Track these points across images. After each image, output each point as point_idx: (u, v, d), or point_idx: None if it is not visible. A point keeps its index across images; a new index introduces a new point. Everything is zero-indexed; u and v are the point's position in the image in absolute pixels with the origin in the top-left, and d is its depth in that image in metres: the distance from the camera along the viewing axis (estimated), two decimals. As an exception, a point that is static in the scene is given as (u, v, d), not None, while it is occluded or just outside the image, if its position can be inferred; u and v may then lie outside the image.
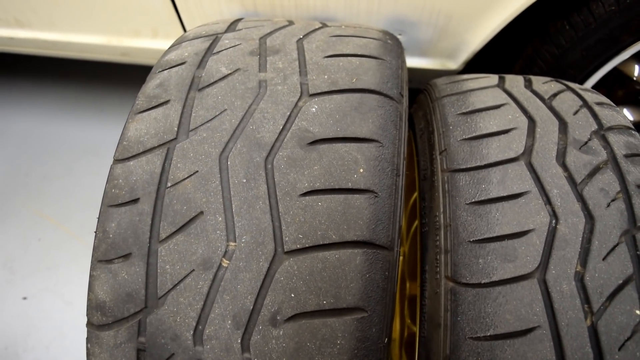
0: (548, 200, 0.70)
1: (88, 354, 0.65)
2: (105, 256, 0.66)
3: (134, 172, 0.70)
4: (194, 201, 0.66)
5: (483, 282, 0.67)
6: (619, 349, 0.60)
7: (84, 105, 2.19)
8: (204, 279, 0.62)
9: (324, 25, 0.94)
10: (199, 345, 0.61)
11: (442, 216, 0.77)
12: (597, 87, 1.26)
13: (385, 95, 0.77)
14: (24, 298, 1.62)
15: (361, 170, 0.68)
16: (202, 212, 0.65)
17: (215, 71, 0.80)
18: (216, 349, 0.60)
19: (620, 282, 0.63)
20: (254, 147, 0.69)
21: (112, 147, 1.90)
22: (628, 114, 1.38)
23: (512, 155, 0.76)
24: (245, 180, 0.67)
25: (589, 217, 0.68)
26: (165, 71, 0.82)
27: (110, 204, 0.69)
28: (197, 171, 0.68)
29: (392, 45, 0.90)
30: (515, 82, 0.93)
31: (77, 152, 2.02)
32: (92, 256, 0.67)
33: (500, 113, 0.83)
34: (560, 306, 0.63)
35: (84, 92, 2.24)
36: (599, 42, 1.11)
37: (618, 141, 0.78)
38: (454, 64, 1.30)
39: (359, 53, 0.83)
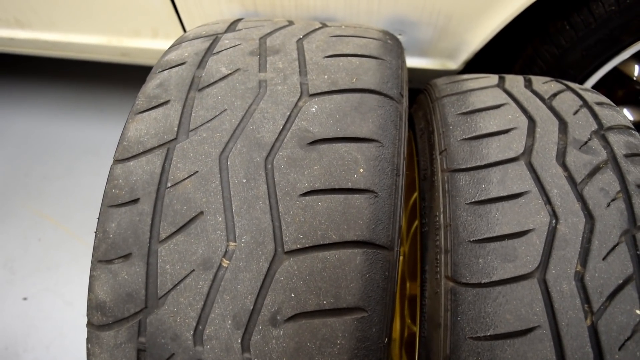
0: (548, 200, 0.70)
1: (88, 354, 0.65)
2: (105, 256, 0.66)
3: (134, 172, 0.70)
4: (194, 201, 0.66)
5: (483, 282, 0.67)
6: (619, 349, 0.60)
7: (84, 105, 2.19)
8: (204, 279, 0.62)
9: (324, 25, 0.94)
10: (199, 345, 0.61)
11: (442, 216, 0.77)
12: (597, 87, 1.26)
13: (385, 95, 0.77)
14: (24, 298, 1.62)
15: (361, 170, 0.68)
16: (202, 212, 0.65)
17: (215, 71, 0.80)
18: (216, 349, 0.60)
19: (621, 281, 0.63)
20: (254, 147, 0.69)
21: (112, 147, 1.90)
22: (628, 114, 1.38)
23: (512, 155, 0.76)
24: (245, 180, 0.67)
25: (589, 216, 0.68)
26: (165, 71, 0.82)
27: (110, 204, 0.69)
28: (197, 171, 0.68)
29: (392, 45, 0.90)
30: (515, 82, 0.93)
31: (77, 152, 2.02)
32: (92, 256, 0.67)
33: (500, 113, 0.83)
34: (560, 306, 0.63)
35: (84, 92, 2.24)
36: (599, 42, 1.11)
37: (618, 141, 0.78)
38: (454, 64, 1.30)
39: (359, 53, 0.83)
